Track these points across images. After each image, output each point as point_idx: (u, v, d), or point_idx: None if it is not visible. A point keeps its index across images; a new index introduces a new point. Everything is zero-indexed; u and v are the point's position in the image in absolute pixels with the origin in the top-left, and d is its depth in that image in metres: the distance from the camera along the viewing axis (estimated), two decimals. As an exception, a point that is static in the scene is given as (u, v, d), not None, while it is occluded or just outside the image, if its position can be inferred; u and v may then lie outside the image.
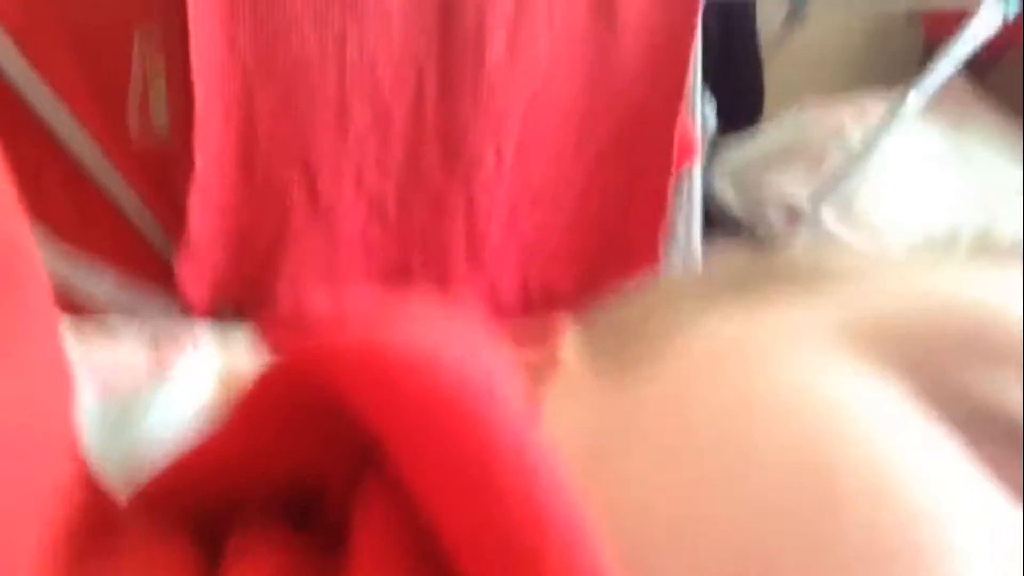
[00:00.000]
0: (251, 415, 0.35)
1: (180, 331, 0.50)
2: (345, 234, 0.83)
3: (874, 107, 1.40)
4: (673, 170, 0.91)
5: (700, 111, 1.03)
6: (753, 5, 1.51)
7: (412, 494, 0.30)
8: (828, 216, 1.40)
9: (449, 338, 0.35)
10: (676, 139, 0.89)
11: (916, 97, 1.21)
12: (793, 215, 1.44)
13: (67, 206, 0.86)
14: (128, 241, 0.86)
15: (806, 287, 0.42)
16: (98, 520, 0.35)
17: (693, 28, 0.85)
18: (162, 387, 0.48)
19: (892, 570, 0.28)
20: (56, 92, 0.80)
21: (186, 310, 0.81)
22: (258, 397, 0.35)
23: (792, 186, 1.47)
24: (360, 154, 0.82)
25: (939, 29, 1.45)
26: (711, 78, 1.15)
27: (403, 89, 0.84)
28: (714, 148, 1.50)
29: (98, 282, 0.84)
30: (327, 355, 0.33)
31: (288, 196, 0.80)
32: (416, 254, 0.83)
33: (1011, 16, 1.14)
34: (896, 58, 1.79)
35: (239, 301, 0.81)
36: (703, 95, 1.02)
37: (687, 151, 0.95)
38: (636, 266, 0.91)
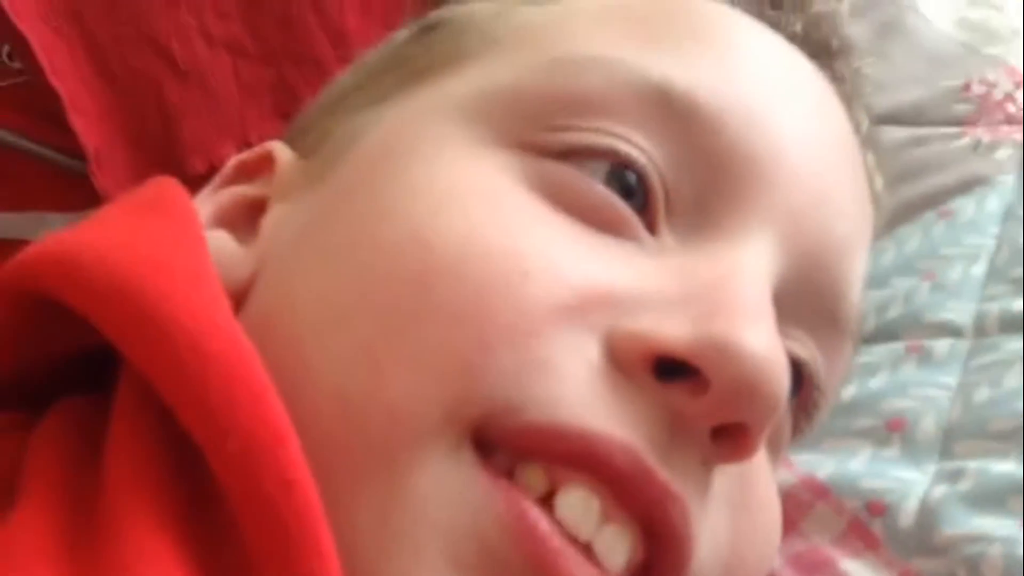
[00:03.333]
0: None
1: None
2: (221, 84, 0.88)
3: None
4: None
5: None
6: None
7: (139, 371, 0.35)
8: None
9: (139, 230, 0.40)
10: None
11: None
12: None
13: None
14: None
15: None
16: None
17: None
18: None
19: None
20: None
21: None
22: None
23: None
24: (197, 10, 0.86)
25: None
26: None
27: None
28: None
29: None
30: (30, 263, 0.38)
31: (153, 79, 0.85)
32: (287, 66, 0.88)
33: None
34: None
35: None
36: None
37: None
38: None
